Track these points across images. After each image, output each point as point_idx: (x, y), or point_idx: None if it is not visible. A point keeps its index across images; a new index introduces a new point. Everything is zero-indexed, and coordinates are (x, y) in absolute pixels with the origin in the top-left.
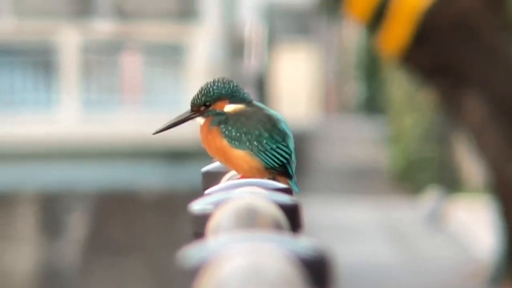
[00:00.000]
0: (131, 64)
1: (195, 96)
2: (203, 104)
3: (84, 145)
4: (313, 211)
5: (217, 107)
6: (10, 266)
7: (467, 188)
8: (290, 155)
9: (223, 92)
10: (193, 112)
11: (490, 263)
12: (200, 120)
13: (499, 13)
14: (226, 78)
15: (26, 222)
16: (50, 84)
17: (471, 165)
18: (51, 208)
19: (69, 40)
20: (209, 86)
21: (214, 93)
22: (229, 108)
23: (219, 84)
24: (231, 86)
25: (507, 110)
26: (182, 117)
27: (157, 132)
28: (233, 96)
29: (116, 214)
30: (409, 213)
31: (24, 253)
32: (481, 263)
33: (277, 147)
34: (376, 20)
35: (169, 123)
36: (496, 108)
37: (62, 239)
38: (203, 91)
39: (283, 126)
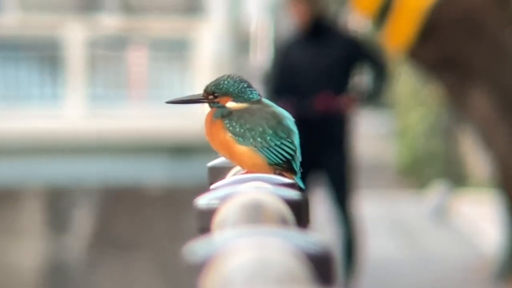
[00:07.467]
0: (137, 59)
1: (209, 83)
2: (212, 93)
3: (90, 140)
4: (319, 206)
5: (221, 101)
6: (16, 262)
7: (473, 182)
8: (295, 151)
9: (230, 89)
10: (203, 97)
11: (496, 258)
12: (207, 107)
13: (506, 7)
14: (240, 77)
15: (32, 217)
16: (56, 79)
17: (477, 159)
18: (57, 203)
19: (75, 35)
20: (222, 79)
21: (223, 87)
22: (230, 105)
23: (230, 80)
24: (240, 86)
25: None
26: (195, 97)
27: (169, 102)
28: (238, 96)
29: (122, 209)
30: (415, 207)
31: (30, 249)
32: (487, 258)
33: (282, 143)
34: (382, 14)
35: (183, 98)
36: (502, 103)
37: (68, 234)
38: (216, 82)
39: (288, 123)
